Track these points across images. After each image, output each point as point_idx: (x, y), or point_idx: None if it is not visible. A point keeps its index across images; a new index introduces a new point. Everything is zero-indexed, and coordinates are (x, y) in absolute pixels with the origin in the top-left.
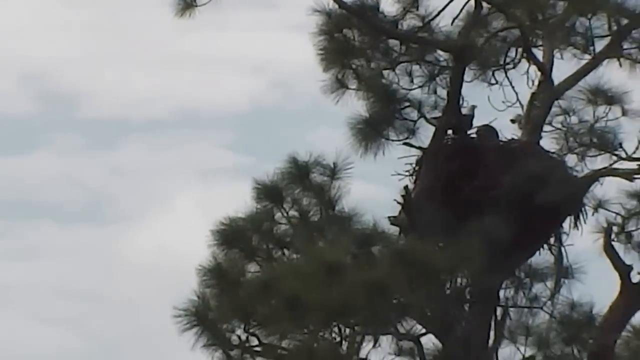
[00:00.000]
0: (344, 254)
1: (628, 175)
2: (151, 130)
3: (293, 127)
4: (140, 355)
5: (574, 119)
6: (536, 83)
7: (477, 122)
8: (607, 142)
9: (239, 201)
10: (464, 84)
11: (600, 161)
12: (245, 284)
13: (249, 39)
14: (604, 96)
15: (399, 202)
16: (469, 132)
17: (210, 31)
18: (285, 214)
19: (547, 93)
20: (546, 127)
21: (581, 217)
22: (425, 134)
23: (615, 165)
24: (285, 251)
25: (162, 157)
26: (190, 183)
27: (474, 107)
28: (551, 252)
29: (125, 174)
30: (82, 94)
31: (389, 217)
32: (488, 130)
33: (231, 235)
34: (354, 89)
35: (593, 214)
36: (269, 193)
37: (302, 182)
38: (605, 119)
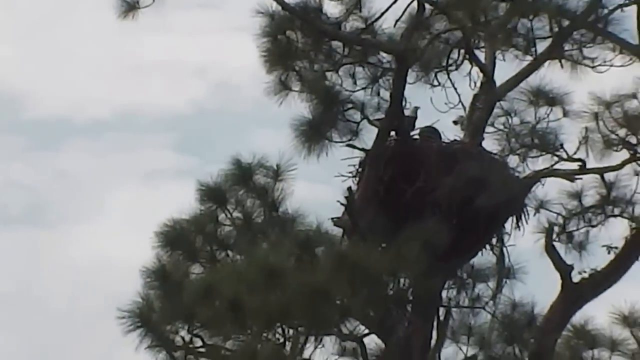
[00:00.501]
0: (287, 256)
1: (569, 175)
2: (93, 132)
3: (236, 129)
4: (80, 358)
5: (515, 120)
6: (478, 85)
7: (419, 124)
8: (548, 143)
9: (183, 203)
10: (407, 86)
11: (541, 162)
12: (189, 286)
13: (192, 40)
14: (545, 97)
15: (342, 204)
16: (411, 134)
17: (152, 33)
18: (228, 216)
19: (489, 94)
20: (488, 129)
21: (523, 217)
22: (369, 135)
23: (557, 166)
24: (229, 253)
25: (105, 158)
26: (133, 185)
27: (416, 108)
28: (493, 252)
29: (68, 176)
30: (23, 95)
31: (332, 219)
32: (431, 132)
33: (175, 237)
34: (297, 91)
35: (534, 215)
36: (212, 195)
37: (246, 184)
38: (546, 120)
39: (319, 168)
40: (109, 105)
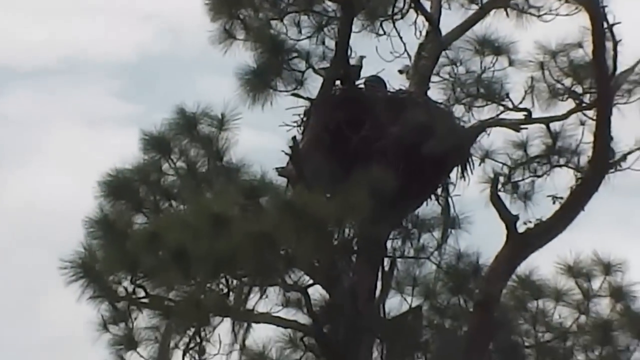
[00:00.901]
0: (231, 205)
1: (514, 125)
2: (38, 78)
3: (181, 76)
4: (14, 305)
5: (461, 70)
6: (424, 34)
7: (365, 73)
8: (494, 93)
9: (126, 152)
10: (352, 35)
11: (487, 111)
12: (132, 236)
13: None
14: (491, 46)
15: (286, 153)
16: (357, 83)
17: None
18: (172, 165)
19: (435, 44)
20: (434, 78)
21: (468, 167)
22: (314, 85)
23: (502, 116)
24: (173, 203)
25: (49, 105)
26: (76, 132)
27: (362, 57)
28: (438, 202)
29: (11, 122)
30: None
31: (276, 168)
32: (376, 81)
33: (118, 186)
34: (242, 40)
35: (480, 164)
36: (156, 144)
37: (190, 133)
38: (492, 69)
39: (264, 117)
40: (53, 51)
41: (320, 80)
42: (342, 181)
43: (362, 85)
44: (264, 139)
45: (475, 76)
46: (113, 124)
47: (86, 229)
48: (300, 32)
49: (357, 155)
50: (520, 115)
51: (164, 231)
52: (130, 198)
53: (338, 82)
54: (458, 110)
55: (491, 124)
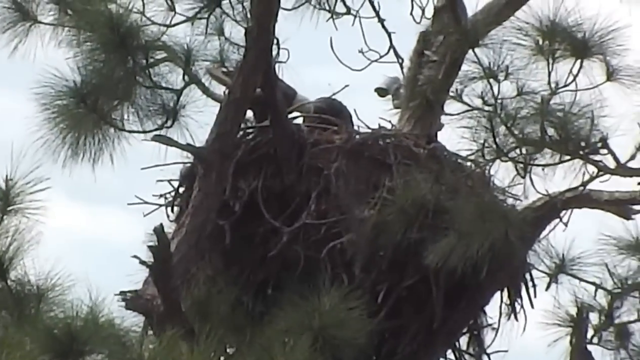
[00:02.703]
0: None
1: (620, 204)
2: None
3: None
4: None
5: (508, 87)
6: (429, 11)
7: (309, 92)
8: (577, 137)
9: None
10: (280, 15)
11: (563, 175)
12: None
13: None
14: (569, 40)
15: (143, 262)
16: (290, 112)
17: None
18: None
19: (452, 32)
20: (451, 104)
21: (523, 292)
22: (200, 117)
23: (594, 184)
24: None
25: None
26: None
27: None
28: None
29: None
30: None
31: (123, 296)
32: (331, 108)
33: None
34: (50, 24)
35: (548, 287)
36: None
37: None
38: (571, 86)
39: (94, 187)
40: None
41: (214, 107)
42: (257, 321)
43: (301, 118)
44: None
45: (540, 102)
46: None
47: None
48: (172, 9)
49: (288, 266)
50: (633, 184)
51: None
52: None
53: (251, 112)
54: (504, 172)
55: (571, 202)
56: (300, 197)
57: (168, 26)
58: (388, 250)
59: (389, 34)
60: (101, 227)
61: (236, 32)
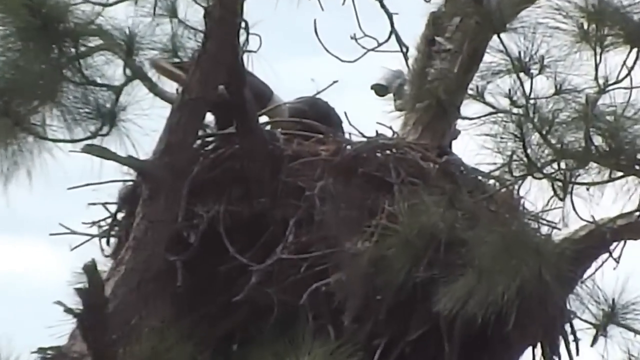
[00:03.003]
0: None
1: None
2: None
3: None
4: None
5: (543, 83)
6: None
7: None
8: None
9: None
10: None
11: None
12: None
13: None
14: (621, 22)
15: (68, 310)
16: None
17: None
18: None
19: (471, 14)
20: (470, 106)
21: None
22: (147, 124)
23: None
24: None
25: None
26: None
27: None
28: None
29: None
30: None
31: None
32: (315, 110)
33: None
34: None
35: (594, 342)
36: None
37: None
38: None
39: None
40: None
41: (163, 109)
42: None
43: (276, 124)
44: (10, 264)
45: (584, 102)
46: None
47: None
48: None
49: (258, 314)
50: None
51: None
52: None
53: (212, 116)
54: (537, 192)
55: (624, 232)
56: (274, 225)
57: (105, 5)
58: (388, 294)
59: (390, 16)
60: (15, 264)
61: (193, 12)
